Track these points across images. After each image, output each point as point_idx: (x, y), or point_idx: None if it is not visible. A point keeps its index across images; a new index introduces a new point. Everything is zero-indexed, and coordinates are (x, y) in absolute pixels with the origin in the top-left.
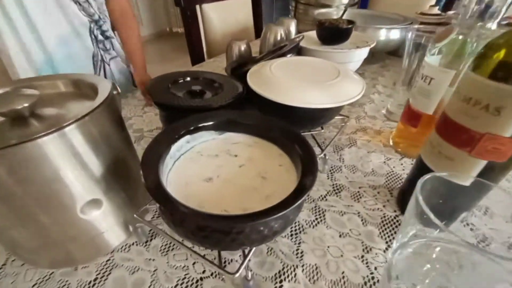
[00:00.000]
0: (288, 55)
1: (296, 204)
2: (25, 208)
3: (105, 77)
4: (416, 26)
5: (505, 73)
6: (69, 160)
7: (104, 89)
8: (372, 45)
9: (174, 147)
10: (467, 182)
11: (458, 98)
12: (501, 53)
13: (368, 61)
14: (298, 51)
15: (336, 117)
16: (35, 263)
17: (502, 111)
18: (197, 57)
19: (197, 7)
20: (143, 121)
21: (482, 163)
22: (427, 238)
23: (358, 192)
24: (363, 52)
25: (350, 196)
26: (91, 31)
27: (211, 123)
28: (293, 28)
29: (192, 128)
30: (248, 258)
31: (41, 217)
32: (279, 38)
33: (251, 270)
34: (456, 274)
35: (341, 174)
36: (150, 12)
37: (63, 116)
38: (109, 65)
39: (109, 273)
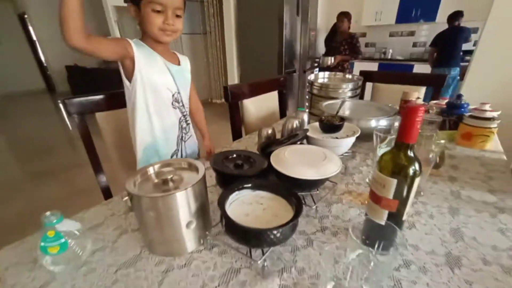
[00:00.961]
0: (298, 142)
1: (289, 225)
2: (161, 224)
3: (181, 150)
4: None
5: (384, 170)
6: (184, 203)
7: (201, 168)
8: (357, 135)
9: (230, 197)
10: (382, 223)
11: (374, 179)
12: (381, 163)
13: (363, 139)
14: (307, 137)
15: (330, 183)
16: (156, 252)
17: (385, 186)
18: (237, 133)
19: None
20: None
21: (386, 212)
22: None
23: (336, 231)
24: (350, 140)
25: (331, 233)
26: (180, 122)
27: (249, 185)
28: (305, 118)
29: (240, 187)
30: (266, 254)
31: (167, 228)
32: (295, 126)
33: (266, 263)
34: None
35: (328, 220)
36: (197, 87)
37: (183, 180)
38: (184, 142)
39: (191, 262)
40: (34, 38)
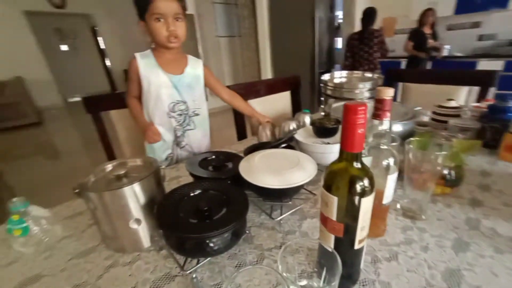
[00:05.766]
0: (282, 146)
1: (223, 230)
2: (110, 218)
3: (176, 154)
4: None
5: (327, 184)
6: (132, 198)
7: (155, 165)
8: None
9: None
10: (329, 249)
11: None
12: (326, 175)
13: None
14: (296, 141)
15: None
16: (110, 247)
17: (328, 205)
18: (241, 134)
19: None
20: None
21: (332, 236)
22: None
23: (297, 249)
24: (336, 146)
25: (290, 251)
26: (175, 130)
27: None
28: (307, 120)
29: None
30: (198, 265)
31: (116, 223)
32: (291, 128)
33: (195, 275)
34: None
35: (294, 236)
36: None
37: (136, 177)
38: (180, 147)
39: (136, 262)
40: (103, 46)
